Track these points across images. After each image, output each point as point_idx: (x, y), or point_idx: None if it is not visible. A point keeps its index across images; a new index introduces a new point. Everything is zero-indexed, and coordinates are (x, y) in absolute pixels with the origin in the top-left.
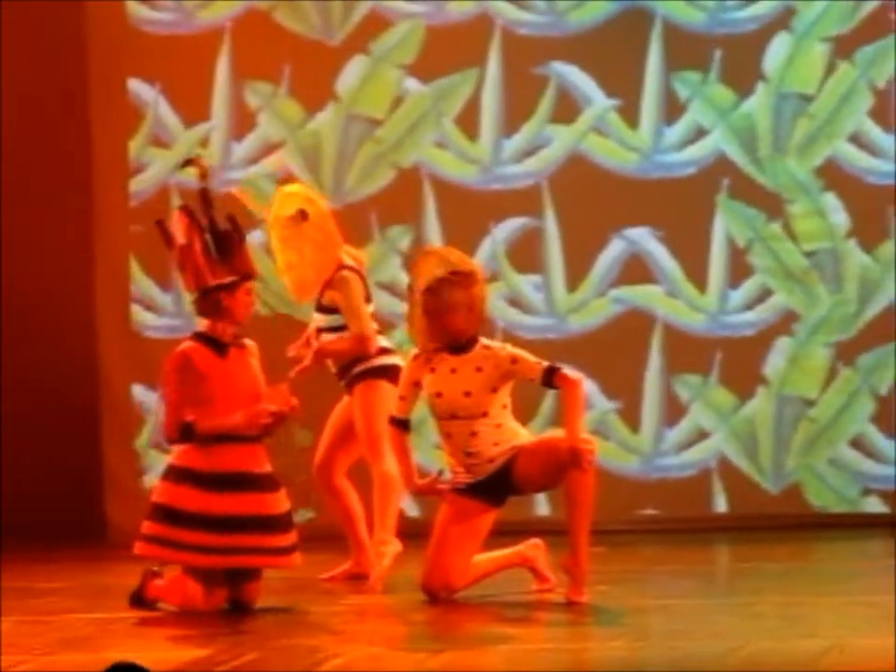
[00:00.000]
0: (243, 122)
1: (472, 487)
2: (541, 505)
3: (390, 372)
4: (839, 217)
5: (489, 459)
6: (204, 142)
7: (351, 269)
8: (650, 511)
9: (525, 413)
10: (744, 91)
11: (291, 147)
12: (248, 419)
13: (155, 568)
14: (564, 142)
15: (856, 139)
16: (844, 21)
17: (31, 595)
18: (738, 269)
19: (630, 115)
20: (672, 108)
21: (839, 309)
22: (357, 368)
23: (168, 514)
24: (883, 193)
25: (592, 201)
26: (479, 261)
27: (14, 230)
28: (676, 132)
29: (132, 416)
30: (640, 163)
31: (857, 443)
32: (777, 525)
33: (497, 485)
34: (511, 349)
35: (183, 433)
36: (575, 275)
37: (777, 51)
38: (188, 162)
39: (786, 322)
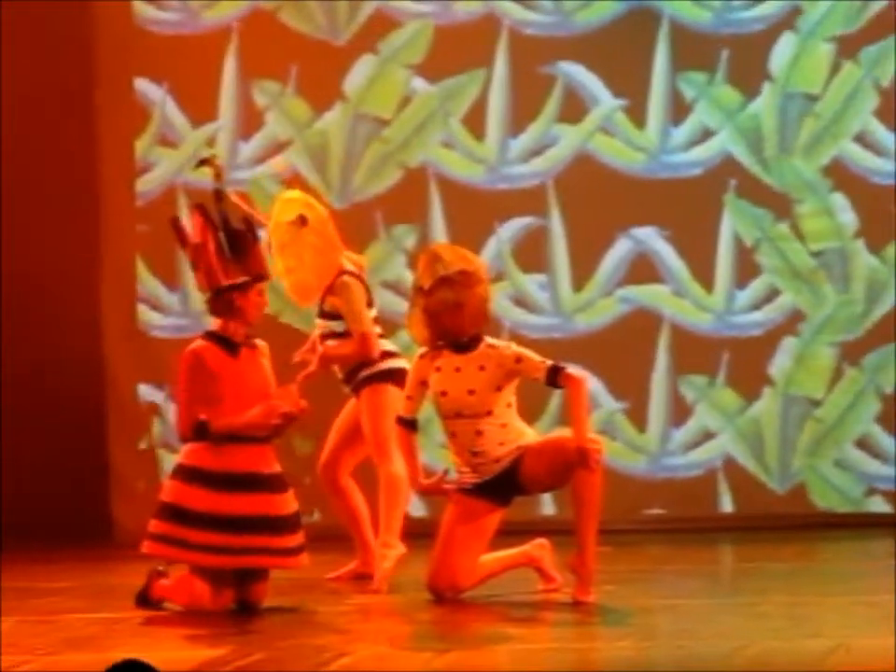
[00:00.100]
0: (250, 122)
1: (478, 487)
2: (547, 505)
3: (395, 376)
4: (847, 216)
5: (495, 459)
6: (211, 141)
7: (352, 274)
8: (656, 511)
9: (531, 413)
10: (750, 91)
11: (298, 146)
12: (265, 413)
13: (161, 568)
14: (571, 141)
15: (861, 139)
16: (848, 20)
17: (35, 595)
18: (745, 269)
19: (637, 115)
20: (679, 108)
21: (845, 309)
22: (362, 373)
23: (176, 513)
24: (887, 193)
25: (598, 200)
26: (484, 260)
27: (20, 229)
28: (682, 132)
29: (138, 416)
30: (647, 163)
31: (862, 443)
32: (782, 525)
33: (504, 485)
34: (515, 348)
35: (197, 431)
36: (581, 275)
37: (782, 51)
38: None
39: (793, 322)
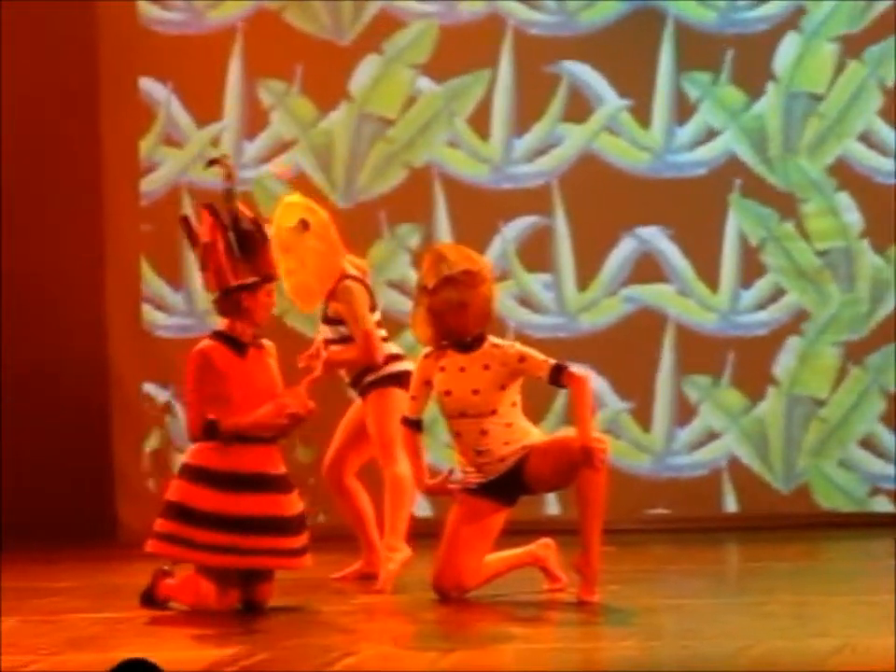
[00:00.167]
0: (254, 121)
1: (484, 487)
2: (552, 504)
3: (402, 379)
4: (852, 216)
5: (500, 458)
6: (216, 141)
7: (354, 278)
8: (660, 511)
9: (537, 412)
10: (754, 91)
11: (303, 145)
12: (275, 412)
13: (166, 567)
14: (575, 141)
15: (865, 138)
16: (853, 20)
17: (39, 595)
18: (750, 268)
19: (642, 114)
20: (684, 108)
21: (849, 308)
22: (368, 377)
23: (182, 513)
24: (892, 193)
25: (603, 200)
26: (489, 260)
27: (24, 229)
28: (687, 132)
29: (142, 415)
30: (652, 163)
31: (866, 443)
32: (786, 524)
33: (509, 485)
34: (519, 347)
35: (206, 431)
36: (586, 274)
37: (786, 51)
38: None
39: (798, 322)
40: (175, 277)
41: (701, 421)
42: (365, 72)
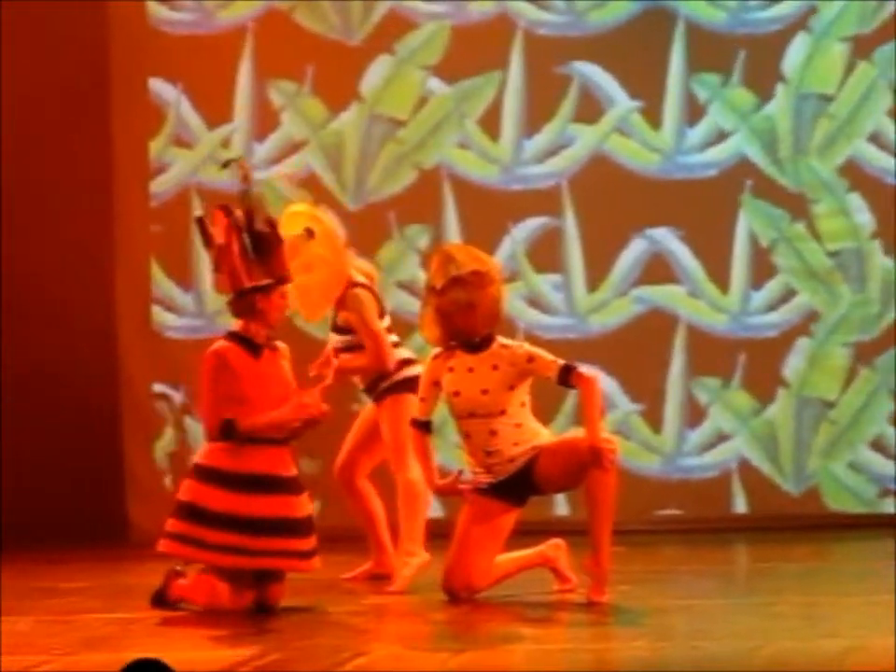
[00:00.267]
0: (264, 122)
1: (493, 487)
2: (561, 505)
3: (414, 384)
4: (863, 216)
5: (509, 459)
6: (226, 142)
7: (362, 286)
8: (671, 512)
9: (546, 413)
10: (764, 92)
11: (314, 146)
12: (294, 410)
13: (178, 568)
14: (586, 142)
15: (875, 139)
16: (863, 20)
17: (52, 595)
18: (761, 269)
19: (652, 115)
20: (694, 109)
21: (859, 309)
22: (383, 383)
23: (193, 513)
24: None
25: (613, 201)
26: (498, 261)
27: (34, 230)
28: (698, 133)
29: (153, 416)
30: (662, 164)
31: (876, 444)
32: (796, 525)
33: (518, 485)
34: (527, 347)
35: (224, 430)
36: (595, 275)
37: (796, 52)
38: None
39: (809, 323)
40: (184, 278)
41: (711, 423)
42: (376, 73)
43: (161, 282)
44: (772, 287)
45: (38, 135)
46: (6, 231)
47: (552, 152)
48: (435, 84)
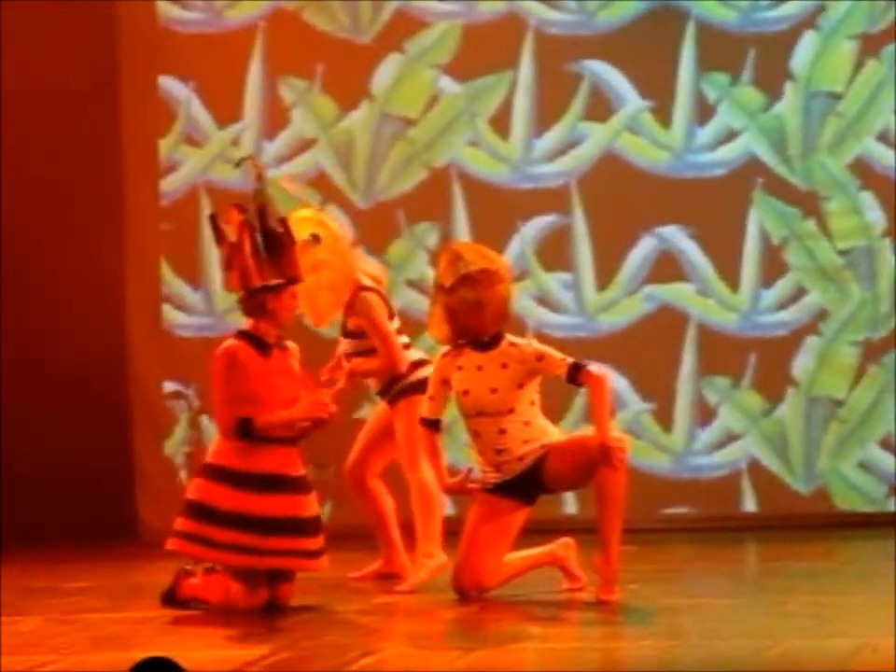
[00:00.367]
0: (275, 121)
1: (502, 486)
2: (570, 504)
3: (426, 386)
4: (874, 214)
5: (519, 457)
6: (237, 141)
7: (369, 289)
8: (681, 510)
9: (556, 411)
10: (774, 91)
11: (324, 144)
12: (310, 407)
13: (188, 567)
14: (596, 140)
15: (884, 137)
16: (871, 18)
17: (61, 594)
18: (772, 267)
19: (662, 114)
20: (704, 108)
21: (868, 307)
22: (396, 385)
23: (203, 512)
24: None
25: (623, 199)
26: (508, 259)
27: (44, 229)
28: (707, 132)
29: (163, 415)
30: (672, 162)
31: (885, 443)
32: (806, 524)
33: (528, 484)
34: (536, 345)
35: (240, 429)
36: (605, 274)
37: (805, 50)
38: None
39: (819, 322)
40: (194, 277)
41: (721, 422)
42: (387, 71)
43: (171, 280)
44: (782, 286)
45: (48, 134)
46: (15, 230)
47: (562, 151)
48: (445, 83)
